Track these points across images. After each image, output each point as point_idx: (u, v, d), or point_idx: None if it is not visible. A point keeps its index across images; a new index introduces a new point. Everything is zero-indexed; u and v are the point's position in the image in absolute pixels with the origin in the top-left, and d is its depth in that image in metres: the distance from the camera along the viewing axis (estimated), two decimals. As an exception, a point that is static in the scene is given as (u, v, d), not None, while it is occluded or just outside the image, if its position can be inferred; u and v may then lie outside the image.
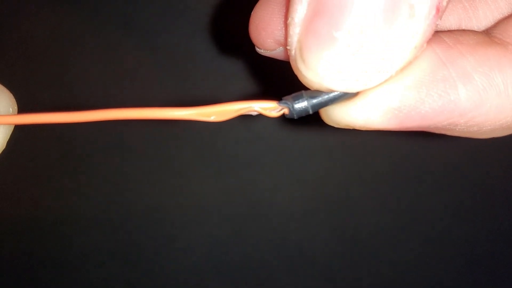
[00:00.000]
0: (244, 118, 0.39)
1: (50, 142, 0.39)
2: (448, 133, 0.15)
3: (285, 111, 0.15)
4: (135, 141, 0.39)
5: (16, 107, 0.17)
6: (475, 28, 0.16)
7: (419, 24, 0.12)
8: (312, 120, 0.42)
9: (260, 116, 0.17)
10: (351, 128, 0.15)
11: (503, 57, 0.14)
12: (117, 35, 0.38)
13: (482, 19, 0.16)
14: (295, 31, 0.13)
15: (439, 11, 0.12)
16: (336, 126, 0.15)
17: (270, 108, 0.15)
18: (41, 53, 0.38)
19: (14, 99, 0.17)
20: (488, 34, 0.14)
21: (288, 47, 0.14)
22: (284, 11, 0.16)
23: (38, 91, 0.38)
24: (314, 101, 0.14)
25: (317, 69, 0.13)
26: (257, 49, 0.18)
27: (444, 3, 0.12)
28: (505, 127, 0.14)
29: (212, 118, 0.15)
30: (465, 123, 0.14)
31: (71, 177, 0.39)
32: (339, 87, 0.13)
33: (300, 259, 0.41)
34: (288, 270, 0.41)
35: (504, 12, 0.16)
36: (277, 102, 0.15)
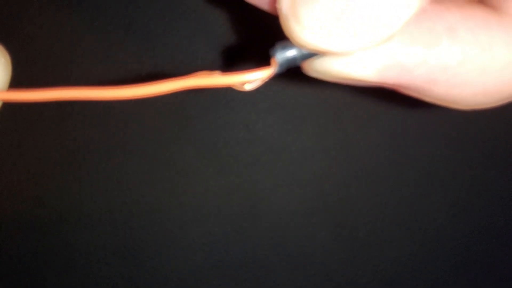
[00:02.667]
0: (245, 118, 0.39)
1: (52, 141, 0.39)
2: (427, 96, 0.14)
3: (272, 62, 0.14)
4: (136, 141, 0.39)
5: (8, 58, 0.16)
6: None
7: None
8: (312, 119, 0.42)
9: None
10: (329, 80, 0.14)
11: (491, 17, 0.13)
12: (118, 37, 0.38)
13: None
14: None
15: None
16: (315, 76, 0.14)
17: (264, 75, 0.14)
18: (43, 55, 0.38)
19: (6, 53, 0.16)
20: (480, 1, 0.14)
21: (278, 6, 0.12)
22: None
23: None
24: (304, 51, 0.13)
25: (314, 27, 0.12)
26: None
27: None
28: (486, 93, 0.13)
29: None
30: (446, 81, 0.13)
31: (73, 176, 0.40)
32: (341, 48, 0.12)
33: (299, 257, 0.41)
34: (288, 268, 0.41)
35: None
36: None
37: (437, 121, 0.39)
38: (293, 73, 0.18)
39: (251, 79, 0.14)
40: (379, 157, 0.40)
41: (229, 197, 0.40)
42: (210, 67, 0.39)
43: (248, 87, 0.14)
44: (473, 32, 0.12)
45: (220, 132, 0.39)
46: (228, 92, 0.39)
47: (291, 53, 0.13)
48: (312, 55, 0.13)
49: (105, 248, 0.40)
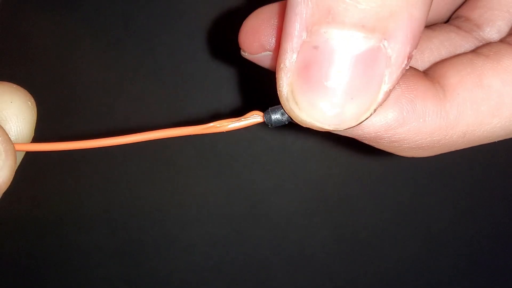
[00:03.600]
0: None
1: (51, 141, 0.39)
2: (374, 144, 0.17)
3: (265, 119, 0.17)
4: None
5: (33, 101, 0.18)
6: (419, 68, 0.19)
7: (394, 72, 0.14)
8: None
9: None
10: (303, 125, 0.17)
11: (428, 90, 0.16)
12: (116, 36, 0.38)
13: (426, 62, 0.19)
14: (287, 75, 0.15)
15: (410, 59, 0.15)
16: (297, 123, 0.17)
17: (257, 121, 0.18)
18: (41, 54, 0.38)
19: (31, 97, 0.18)
20: (425, 73, 0.17)
21: (278, 88, 0.15)
22: (275, 42, 0.19)
23: (39, 91, 0.38)
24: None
25: (310, 112, 0.15)
26: (242, 53, 0.20)
27: (414, 52, 0.15)
28: (420, 148, 0.17)
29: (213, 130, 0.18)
30: (388, 137, 0.16)
31: (72, 176, 0.40)
32: (330, 127, 0.15)
33: (299, 258, 0.41)
34: (288, 269, 0.41)
35: (443, 56, 0.19)
36: (262, 115, 0.18)
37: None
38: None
39: (242, 127, 0.18)
40: (379, 157, 0.40)
41: (229, 197, 0.40)
42: (208, 66, 0.39)
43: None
44: (412, 103, 0.16)
45: (220, 132, 0.39)
46: (228, 92, 0.39)
47: (281, 117, 0.17)
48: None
49: (104, 249, 0.40)
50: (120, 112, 0.39)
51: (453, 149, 0.17)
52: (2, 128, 0.16)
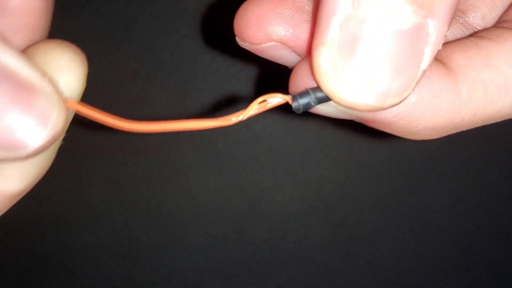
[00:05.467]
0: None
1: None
2: (391, 128, 0.17)
3: (293, 105, 0.16)
4: (137, 141, 0.39)
5: (85, 58, 0.17)
6: None
7: (433, 50, 0.14)
8: (311, 119, 0.42)
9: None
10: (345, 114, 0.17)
11: (440, 68, 0.16)
12: (118, 37, 0.38)
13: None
14: (328, 51, 0.14)
15: (443, 39, 0.15)
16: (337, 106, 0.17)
17: (281, 102, 0.16)
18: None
19: (83, 54, 0.17)
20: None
21: (317, 65, 0.15)
22: (310, 28, 0.18)
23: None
24: (319, 95, 0.16)
25: (355, 90, 0.14)
26: (241, 43, 0.19)
27: (447, 32, 0.14)
28: (434, 128, 0.17)
29: (233, 120, 0.17)
30: (405, 116, 0.16)
31: (73, 176, 0.40)
32: (375, 105, 0.15)
33: (299, 257, 0.41)
34: (288, 268, 0.41)
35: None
36: (286, 95, 0.16)
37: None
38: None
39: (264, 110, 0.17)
40: (379, 157, 0.40)
41: (229, 197, 0.40)
42: (208, 66, 0.39)
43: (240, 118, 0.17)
44: (429, 79, 0.16)
45: (220, 132, 0.39)
46: (228, 92, 0.39)
47: (310, 101, 0.16)
48: (323, 100, 0.16)
49: (104, 249, 0.40)
50: (121, 113, 0.39)
51: (461, 130, 0.17)
52: (55, 81, 0.15)
